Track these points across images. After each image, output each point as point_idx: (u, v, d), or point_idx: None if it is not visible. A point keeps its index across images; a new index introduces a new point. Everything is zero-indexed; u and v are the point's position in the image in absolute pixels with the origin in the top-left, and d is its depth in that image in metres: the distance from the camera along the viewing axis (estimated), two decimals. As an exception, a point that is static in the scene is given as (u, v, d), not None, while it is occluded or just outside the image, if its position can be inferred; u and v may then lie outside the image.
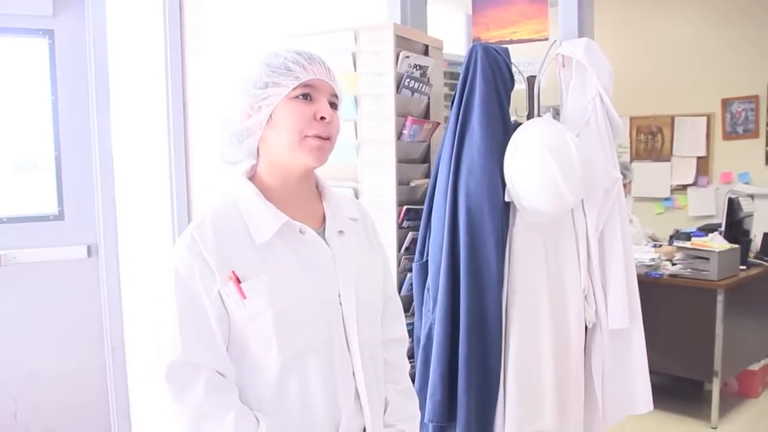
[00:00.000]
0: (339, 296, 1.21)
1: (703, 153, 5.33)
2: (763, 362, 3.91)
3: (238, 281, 1.14)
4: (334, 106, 1.23)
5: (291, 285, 1.17)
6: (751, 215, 4.01)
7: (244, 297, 1.14)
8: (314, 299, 1.18)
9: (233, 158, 1.26)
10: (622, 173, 2.18)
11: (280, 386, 1.16)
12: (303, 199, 1.25)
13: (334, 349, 1.19)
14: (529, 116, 2.11)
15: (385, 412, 1.31)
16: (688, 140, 5.39)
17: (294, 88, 1.17)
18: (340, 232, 1.26)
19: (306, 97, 1.18)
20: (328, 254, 1.22)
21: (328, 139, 1.19)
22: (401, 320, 1.43)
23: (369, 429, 1.22)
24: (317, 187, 1.31)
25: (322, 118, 1.18)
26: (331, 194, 1.31)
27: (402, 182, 2.18)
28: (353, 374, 1.21)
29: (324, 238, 1.23)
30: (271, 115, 1.18)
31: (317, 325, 1.18)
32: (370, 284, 1.29)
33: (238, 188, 1.22)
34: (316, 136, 1.17)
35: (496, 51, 2.02)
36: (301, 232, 1.20)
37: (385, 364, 1.34)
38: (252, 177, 1.25)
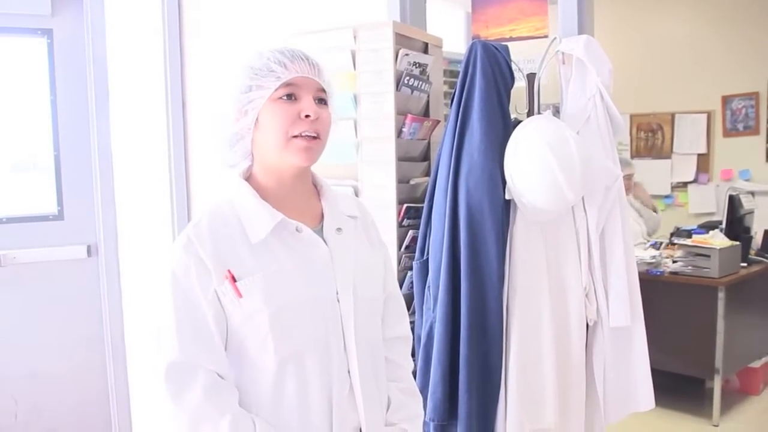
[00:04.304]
0: (337, 294, 1.20)
1: (703, 150, 5.32)
2: (764, 359, 3.91)
3: (234, 280, 1.14)
4: (323, 101, 1.22)
5: (287, 283, 1.16)
6: (751, 212, 4.00)
7: (240, 296, 1.14)
8: (311, 297, 1.18)
9: (231, 161, 1.27)
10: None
11: (278, 385, 1.16)
12: (299, 197, 1.25)
13: (331, 346, 1.19)
14: (529, 114, 2.10)
15: (387, 410, 1.31)
16: (689, 137, 5.38)
17: (276, 89, 1.17)
18: (338, 229, 1.25)
19: (290, 96, 1.18)
20: (325, 252, 1.21)
21: (316, 137, 1.19)
22: (404, 318, 1.42)
23: (364, 428, 1.21)
24: (315, 186, 1.31)
25: (307, 116, 1.17)
26: (330, 192, 1.30)
27: (402, 180, 2.18)
28: (348, 372, 1.20)
29: (322, 236, 1.23)
30: (258, 118, 1.19)
31: (314, 323, 1.18)
32: (370, 282, 1.28)
33: (235, 189, 1.22)
34: (302, 136, 1.17)
35: (496, 48, 2.01)
36: (297, 230, 1.20)
37: (388, 363, 1.34)
38: (248, 178, 1.25)
